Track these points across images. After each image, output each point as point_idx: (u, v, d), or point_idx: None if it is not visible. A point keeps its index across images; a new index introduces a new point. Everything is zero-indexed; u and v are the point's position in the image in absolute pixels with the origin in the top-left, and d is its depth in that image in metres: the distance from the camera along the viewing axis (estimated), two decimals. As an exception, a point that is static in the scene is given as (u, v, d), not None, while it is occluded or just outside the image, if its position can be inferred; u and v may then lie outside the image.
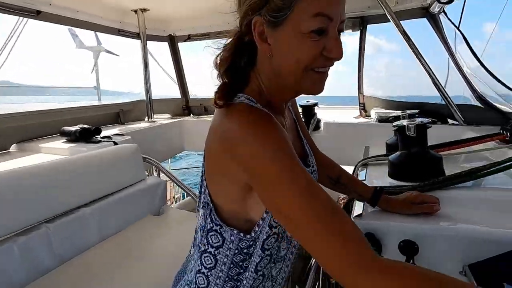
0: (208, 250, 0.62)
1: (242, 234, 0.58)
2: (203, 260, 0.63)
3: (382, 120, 1.82)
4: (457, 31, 1.54)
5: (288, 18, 0.50)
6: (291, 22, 0.51)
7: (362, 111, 2.33)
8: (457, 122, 1.74)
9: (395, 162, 1.00)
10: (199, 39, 3.03)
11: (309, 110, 2.06)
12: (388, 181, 1.03)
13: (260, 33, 0.54)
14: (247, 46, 0.58)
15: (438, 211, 0.76)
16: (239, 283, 0.62)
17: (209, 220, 0.61)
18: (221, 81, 0.60)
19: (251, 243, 0.59)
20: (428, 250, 0.72)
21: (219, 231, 0.60)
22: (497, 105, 1.65)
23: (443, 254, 0.71)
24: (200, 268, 0.63)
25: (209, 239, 0.62)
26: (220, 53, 0.61)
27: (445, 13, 1.59)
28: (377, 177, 1.13)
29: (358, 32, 2.01)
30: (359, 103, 2.37)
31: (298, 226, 0.45)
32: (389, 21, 1.72)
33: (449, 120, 1.85)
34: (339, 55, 0.52)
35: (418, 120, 0.96)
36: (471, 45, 1.49)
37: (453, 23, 1.54)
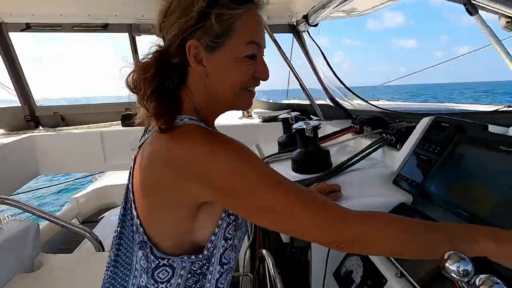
0: None
1: (193, 257, 0.58)
2: None
3: (266, 120, 2.07)
4: (315, 45, 1.95)
5: (225, 45, 0.56)
6: (228, 48, 0.56)
7: (244, 112, 2.56)
8: (318, 118, 2.22)
9: (298, 159, 1.20)
10: (46, 31, 2.42)
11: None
12: (292, 175, 1.23)
13: (196, 56, 0.56)
14: (175, 66, 0.58)
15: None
16: None
17: (152, 258, 0.58)
18: (142, 103, 0.58)
19: (204, 262, 0.60)
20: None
21: (167, 264, 0.58)
22: (342, 103, 2.20)
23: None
24: None
25: (157, 277, 0.59)
26: (132, 73, 0.58)
27: (308, 32, 1.99)
28: (282, 172, 1.32)
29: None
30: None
31: (284, 214, 0.51)
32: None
33: (312, 116, 2.32)
34: (267, 76, 0.62)
35: (312, 122, 1.19)
36: (326, 57, 1.94)
37: (313, 40, 1.94)
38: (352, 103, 2.12)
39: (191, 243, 0.60)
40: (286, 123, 1.60)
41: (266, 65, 0.61)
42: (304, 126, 1.16)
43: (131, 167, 0.65)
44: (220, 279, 0.63)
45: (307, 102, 2.19)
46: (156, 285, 0.59)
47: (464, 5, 2.34)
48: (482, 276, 0.44)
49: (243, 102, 0.63)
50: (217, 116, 0.68)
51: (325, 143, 1.54)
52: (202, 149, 0.51)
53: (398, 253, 0.58)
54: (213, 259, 0.60)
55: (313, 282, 1.01)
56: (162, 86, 0.57)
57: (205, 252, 0.59)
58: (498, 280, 0.42)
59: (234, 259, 0.65)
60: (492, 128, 0.87)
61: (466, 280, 0.45)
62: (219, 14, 0.54)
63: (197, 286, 0.61)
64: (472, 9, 2.34)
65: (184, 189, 0.53)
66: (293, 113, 1.60)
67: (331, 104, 2.18)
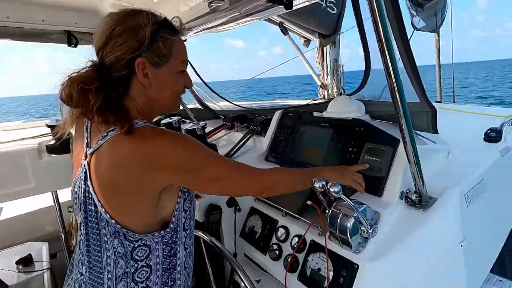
0: (140, 266, 0.72)
1: (163, 232, 0.75)
2: (137, 279, 0.72)
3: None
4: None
5: (168, 62, 0.76)
6: (169, 65, 0.77)
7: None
8: (192, 120, 2.46)
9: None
10: None
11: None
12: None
13: (143, 70, 0.73)
14: (118, 79, 0.72)
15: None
16: (174, 270, 0.78)
17: (127, 243, 0.71)
18: (88, 114, 0.69)
19: (172, 233, 0.77)
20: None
21: (142, 244, 0.72)
22: (209, 105, 2.54)
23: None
24: (136, 287, 0.71)
25: (136, 257, 0.72)
26: (69, 85, 0.68)
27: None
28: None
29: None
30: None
31: (229, 179, 0.77)
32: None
33: (185, 120, 2.54)
34: (192, 85, 0.87)
35: (201, 123, 1.43)
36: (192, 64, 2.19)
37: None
38: (218, 105, 2.49)
39: (159, 221, 0.74)
40: (170, 126, 1.77)
41: (190, 77, 0.83)
42: (195, 127, 1.39)
43: (84, 173, 0.71)
44: (185, 242, 0.80)
45: (180, 107, 2.39)
46: (137, 264, 0.71)
47: (279, 27, 3.16)
48: (330, 184, 0.83)
49: (176, 106, 0.84)
50: (156, 117, 0.86)
51: (208, 140, 1.83)
52: (163, 144, 0.67)
53: (292, 188, 0.92)
54: (178, 229, 0.77)
55: (227, 244, 1.28)
56: (110, 97, 0.70)
57: (171, 225, 0.75)
58: (337, 182, 0.83)
59: (193, 225, 0.84)
60: (315, 114, 1.42)
61: (322, 190, 0.85)
62: (165, 40, 0.73)
63: (171, 252, 0.77)
64: (284, 31, 3.20)
65: (151, 179, 0.67)
66: (175, 118, 1.79)
67: (200, 107, 2.48)
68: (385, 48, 0.72)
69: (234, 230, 1.28)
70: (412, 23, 1.28)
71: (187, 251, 0.82)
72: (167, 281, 0.77)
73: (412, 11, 1.14)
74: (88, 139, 0.75)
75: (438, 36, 3.57)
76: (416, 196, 0.96)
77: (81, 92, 0.67)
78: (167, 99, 0.80)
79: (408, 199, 0.97)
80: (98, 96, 0.68)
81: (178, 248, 0.79)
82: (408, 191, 0.98)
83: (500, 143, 1.42)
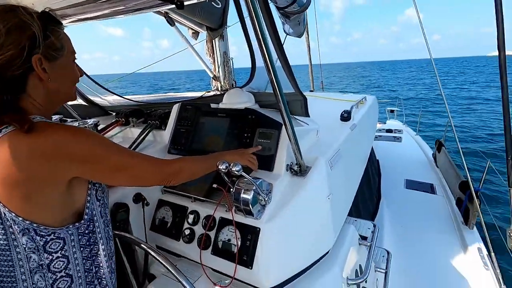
0: (55, 258, 0.72)
1: (77, 224, 0.76)
2: (53, 269, 0.72)
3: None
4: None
5: (63, 55, 0.77)
6: (64, 57, 0.77)
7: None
8: (75, 119, 2.17)
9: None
10: None
11: None
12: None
13: (40, 65, 0.71)
14: (12, 79, 0.69)
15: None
16: (96, 256, 0.80)
17: (38, 238, 0.70)
18: None
19: (88, 224, 0.78)
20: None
21: (55, 237, 0.72)
22: (95, 100, 2.29)
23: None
24: (55, 276, 0.72)
25: (50, 249, 0.72)
26: None
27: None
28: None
29: None
30: None
31: (133, 169, 0.80)
32: None
33: (65, 118, 2.21)
34: (83, 73, 0.89)
35: (91, 121, 1.33)
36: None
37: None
38: (106, 100, 2.28)
39: (73, 213, 0.74)
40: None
41: (78, 65, 0.85)
42: (85, 126, 1.29)
43: None
44: (104, 228, 0.82)
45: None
46: (51, 256, 0.71)
47: (165, 17, 3.11)
48: (232, 164, 0.98)
49: (75, 95, 0.86)
50: (54, 111, 0.83)
51: (109, 133, 1.70)
52: (64, 135, 0.68)
53: (198, 173, 1.01)
54: (95, 218, 0.78)
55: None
56: (2, 100, 0.67)
57: (85, 216, 0.76)
58: (238, 162, 0.98)
59: (108, 214, 0.85)
60: (212, 105, 1.54)
61: (226, 170, 0.99)
62: (56, 34, 0.74)
63: (91, 241, 0.77)
64: (171, 22, 3.18)
65: (55, 172, 0.66)
66: (56, 116, 1.58)
67: (84, 103, 2.21)
68: (264, 49, 0.90)
69: (143, 225, 1.29)
70: (284, 29, 1.56)
71: (106, 236, 0.84)
72: (91, 268, 0.79)
73: (282, 20, 1.40)
74: None
75: (308, 40, 4.37)
76: (297, 167, 1.23)
77: None
78: (67, 89, 0.82)
79: (292, 170, 1.23)
80: None
81: (98, 235, 0.80)
82: (291, 164, 1.24)
83: (349, 122, 1.90)
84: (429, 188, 3.47)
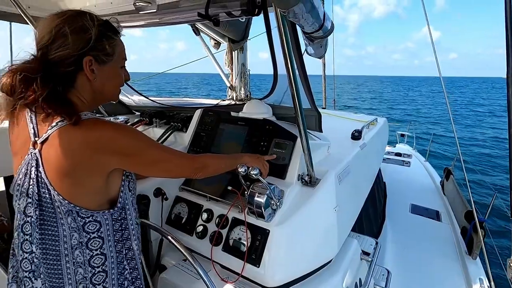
0: (92, 237, 0.82)
1: (111, 210, 0.86)
2: (90, 246, 0.82)
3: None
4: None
5: (112, 60, 0.88)
6: (113, 62, 0.88)
7: None
8: (102, 115, 2.32)
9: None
10: None
11: None
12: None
13: (90, 66, 0.82)
14: (65, 74, 0.80)
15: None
16: (127, 240, 0.90)
17: (79, 219, 0.81)
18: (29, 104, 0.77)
19: (120, 211, 0.88)
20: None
21: (92, 220, 0.83)
22: (122, 99, 2.44)
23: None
24: (92, 253, 0.82)
25: (88, 229, 0.82)
26: (7, 78, 0.75)
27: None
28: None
29: None
30: None
31: (169, 162, 0.91)
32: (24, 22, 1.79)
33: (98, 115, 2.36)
34: (129, 78, 0.99)
35: (121, 118, 1.45)
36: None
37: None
38: (132, 99, 2.43)
39: (107, 200, 0.85)
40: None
41: (127, 71, 0.96)
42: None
43: (36, 160, 0.76)
44: (136, 215, 0.94)
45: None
46: (89, 235, 0.81)
47: (192, 27, 3.30)
48: (250, 168, 1.08)
49: (117, 97, 0.97)
50: (97, 107, 0.93)
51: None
52: (110, 132, 0.78)
53: (220, 169, 1.10)
54: (127, 206, 0.88)
55: (153, 233, 1.37)
56: (56, 90, 0.76)
57: (118, 204, 0.86)
58: (256, 167, 1.08)
59: (136, 203, 0.95)
60: (232, 113, 1.65)
61: (244, 173, 1.08)
62: (110, 41, 0.86)
63: (122, 227, 0.87)
64: (196, 31, 3.37)
65: (99, 163, 0.77)
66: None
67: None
68: (290, 69, 1.00)
69: (160, 218, 1.39)
70: (306, 50, 1.69)
71: (136, 222, 0.94)
72: (122, 249, 0.89)
73: (306, 42, 1.53)
74: (35, 129, 0.80)
75: (324, 59, 4.52)
76: (308, 178, 1.32)
77: (25, 82, 0.73)
78: (110, 91, 0.92)
79: (303, 180, 1.32)
80: (43, 87, 0.74)
81: (130, 222, 0.90)
82: (302, 174, 1.33)
83: (360, 141, 1.99)
84: (435, 215, 3.47)
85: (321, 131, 1.52)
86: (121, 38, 0.91)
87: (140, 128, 1.94)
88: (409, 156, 5.47)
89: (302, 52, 1.28)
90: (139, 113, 2.23)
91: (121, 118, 1.54)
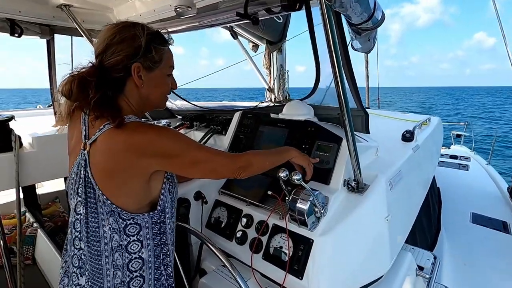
0: (132, 240, 0.82)
1: (151, 213, 0.86)
2: (130, 250, 0.82)
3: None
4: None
5: (159, 67, 0.88)
6: (160, 70, 0.89)
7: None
8: (147, 119, 2.43)
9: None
10: None
11: (3, 127, 1.70)
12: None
13: (138, 73, 0.84)
14: (115, 79, 0.83)
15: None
16: (164, 245, 0.89)
17: (120, 221, 0.81)
18: (84, 107, 0.83)
19: (160, 214, 0.87)
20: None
21: (133, 222, 0.83)
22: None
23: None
24: (130, 257, 0.82)
25: (128, 232, 0.82)
26: (67, 83, 0.80)
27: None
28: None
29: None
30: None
31: (209, 162, 0.88)
32: (79, 35, 1.93)
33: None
34: (176, 87, 0.98)
35: (163, 121, 1.48)
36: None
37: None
38: (174, 104, 2.51)
39: (148, 203, 0.85)
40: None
41: (175, 79, 0.96)
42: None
43: (84, 161, 0.80)
44: (173, 219, 0.93)
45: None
46: (129, 238, 0.82)
47: (230, 31, 3.32)
48: (293, 173, 1.01)
49: (164, 104, 0.98)
50: (145, 113, 0.98)
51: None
52: (151, 134, 0.78)
53: (263, 168, 1.03)
54: (166, 210, 0.88)
55: (193, 237, 1.37)
56: (106, 94, 0.79)
57: (159, 207, 0.86)
58: (298, 172, 1.00)
59: (175, 207, 0.95)
60: (272, 115, 1.60)
61: (286, 178, 1.02)
62: (158, 49, 0.86)
63: (161, 230, 0.87)
64: (234, 35, 3.37)
65: (142, 165, 0.78)
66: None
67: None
68: (335, 64, 0.92)
69: (201, 222, 1.38)
70: (352, 45, 1.57)
71: (172, 227, 0.93)
72: (159, 254, 0.89)
73: (352, 36, 1.42)
74: (86, 131, 0.84)
75: (367, 56, 4.26)
76: (355, 183, 1.21)
77: (81, 86, 0.78)
78: (156, 98, 0.93)
79: (349, 186, 1.21)
80: (96, 91, 0.78)
81: (167, 226, 0.90)
82: (349, 179, 1.22)
83: (412, 142, 1.80)
84: (501, 226, 3.04)
85: (368, 132, 1.40)
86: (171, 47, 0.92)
87: (181, 131, 1.98)
88: (467, 159, 4.91)
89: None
90: (181, 117, 2.29)
91: (163, 122, 1.58)
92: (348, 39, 1.41)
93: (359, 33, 1.31)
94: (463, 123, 6.45)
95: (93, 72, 0.81)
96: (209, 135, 1.78)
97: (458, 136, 5.97)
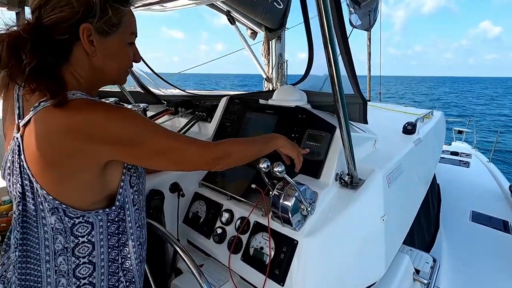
0: (80, 242, 0.68)
1: (107, 210, 0.71)
2: (77, 254, 0.68)
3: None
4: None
5: (117, 32, 0.71)
6: (118, 35, 0.71)
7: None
8: (131, 104, 2.28)
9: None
10: None
11: None
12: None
13: (88, 37, 0.67)
14: (58, 42, 0.65)
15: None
16: (124, 246, 0.75)
17: (66, 219, 0.66)
18: (15, 77, 0.63)
19: (119, 211, 0.73)
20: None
21: (83, 221, 0.68)
22: (152, 90, 2.38)
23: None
24: (78, 261, 0.68)
25: (77, 233, 0.68)
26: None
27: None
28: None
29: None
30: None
31: (177, 151, 0.73)
32: None
33: (124, 104, 2.34)
34: (140, 59, 0.81)
35: (142, 105, 1.34)
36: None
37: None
38: (161, 90, 2.35)
39: (104, 197, 0.70)
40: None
41: (138, 50, 0.78)
42: (135, 109, 1.30)
43: (18, 146, 0.64)
44: (135, 217, 0.77)
45: (117, 89, 2.19)
46: (77, 240, 0.67)
47: (226, 16, 3.13)
48: (274, 164, 0.87)
49: (123, 79, 0.80)
50: (98, 89, 0.78)
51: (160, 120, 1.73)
52: (99, 115, 0.62)
53: (244, 159, 0.89)
54: (127, 206, 0.73)
55: (169, 230, 1.24)
56: (45, 61, 0.62)
57: (117, 203, 0.71)
58: (280, 163, 0.86)
59: (143, 200, 0.80)
60: (261, 101, 1.45)
61: (266, 170, 0.88)
62: (115, 9, 0.68)
63: (119, 230, 0.73)
64: (232, 20, 3.19)
65: (89, 153, 0.62)
66: (111, 99, 1.64)
67: (141, 90, 2.31)
68: (329, 44, 0.77)
69: (177, 216, 1.25)
70: (350, 21, 1.41)
71: (138, 225, 0.79)
72: (117, 257, 0.75)
73: (351, 9, 1.26)
74: (21, 109, 0.68)
75: (369, 40, 4.04)
76: (348, 178, 1.07)
77: (12, 50, 0.60)
78: (114, 70, 0.75)
79: (341, 180, 1.08)
80: (32, 56, 0.61)
81: (128, 224, 0.75)
82: (341, 173, 1.09)
83: (414, 135, 1.66)
84: (502, 225, 2.93)
85: (366, 122, 1.26)
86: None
87: (164, 118, 1.84)
88: (468, 155, 4.78)
89: (345, 23, 1.02)
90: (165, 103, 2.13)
91: (141, 106, 1.44)
92: (346, 15, 1.25)
93: (358, 3, 1.15)
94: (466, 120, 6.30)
95: (27, 30, 0.62)
96: (192, 122, 1.63)
97: (460, 132, 5.82)
